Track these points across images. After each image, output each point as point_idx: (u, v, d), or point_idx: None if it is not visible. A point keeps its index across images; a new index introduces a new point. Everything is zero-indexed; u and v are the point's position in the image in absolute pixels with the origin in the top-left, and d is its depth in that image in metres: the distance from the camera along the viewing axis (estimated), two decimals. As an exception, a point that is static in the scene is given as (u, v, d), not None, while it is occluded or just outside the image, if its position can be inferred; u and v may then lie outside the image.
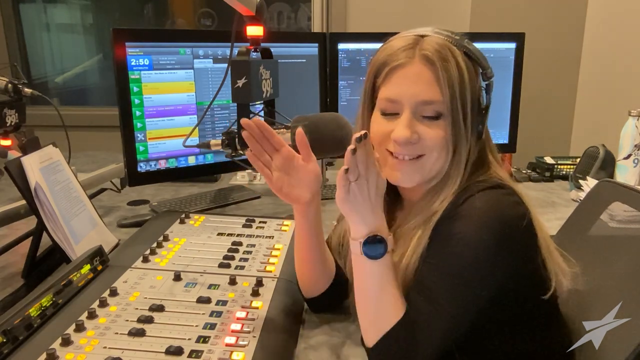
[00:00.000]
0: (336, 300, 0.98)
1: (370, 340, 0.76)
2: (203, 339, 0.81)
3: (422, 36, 0.80)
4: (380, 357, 0.76)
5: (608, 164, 1.71)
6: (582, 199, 1.10)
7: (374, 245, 0.74)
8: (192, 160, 1.55)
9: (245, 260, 1.11)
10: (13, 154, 1.39)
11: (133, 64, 1.39)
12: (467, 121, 0.79)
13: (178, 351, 0.77)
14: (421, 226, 0.80)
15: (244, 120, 0.83)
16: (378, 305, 0.77)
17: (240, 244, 1.19)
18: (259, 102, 1.05)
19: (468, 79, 0.78)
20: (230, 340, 0.81)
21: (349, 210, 0.74)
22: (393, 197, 0.91)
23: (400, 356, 0.73)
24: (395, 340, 0.74)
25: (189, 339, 0.81)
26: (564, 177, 1.92)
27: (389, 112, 0.81)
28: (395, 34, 0.85)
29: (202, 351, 0.78)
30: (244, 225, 1.31)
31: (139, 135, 1.43)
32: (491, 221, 0.74)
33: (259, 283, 0.99)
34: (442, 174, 0.82)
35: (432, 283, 0.75)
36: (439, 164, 0.81)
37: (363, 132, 0.70)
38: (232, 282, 0.99)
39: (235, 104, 0.97)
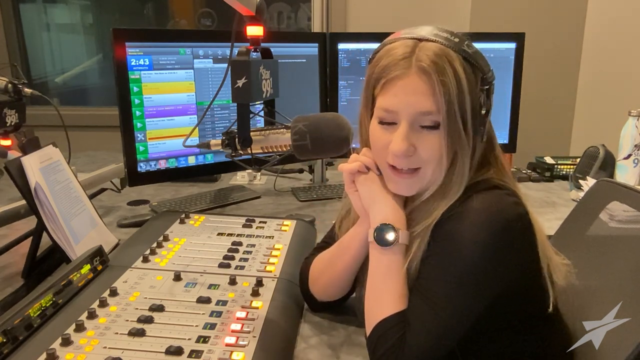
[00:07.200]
0: (340, 302, 0.98)
1: (367, 328, 0.79)
2: (203, 339, 0.81)
3: (420, 40, 0.77)
4: (372, 347, 0.77)
5: (608, 164, 1.71)
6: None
7: (384, 232, 0.80)
8: (192, 160, 1.55)
9: (245, 260, 1.11)
10: (13, 154, 1.39)
11: (133, 64, 1.39)
12: (468, 128, 0.77)
13: (178, 351, 0.77)
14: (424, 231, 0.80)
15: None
16: (379, 294, 0.79)
17: (240, 244, 1.19)
18: (259, 102, 1.05)
19: (467, 86, 0.75)
20: (230, 340, 0.81)
21: (370, 200, 0.84)
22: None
23: (389, 349, 0.74)
24: (384, 331, 0.75)
25: (189, 339, 0.81)
26: (564, 177, 1.91)
27: (386, 121, 0.79)
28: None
29: (202, 351, 0.78)
30: (244, 225, 1.31)
31: (139, 135, 1.43)
32: (489, 221, 0.73)
33: (259, 283, 0.99)
34: (440, 181, 0.80)
35: (429, 283, 0.76)
36: (437, 174, 0.80)
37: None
38: (232, 282, 0.99)
39: (235, 104, 0.97)
